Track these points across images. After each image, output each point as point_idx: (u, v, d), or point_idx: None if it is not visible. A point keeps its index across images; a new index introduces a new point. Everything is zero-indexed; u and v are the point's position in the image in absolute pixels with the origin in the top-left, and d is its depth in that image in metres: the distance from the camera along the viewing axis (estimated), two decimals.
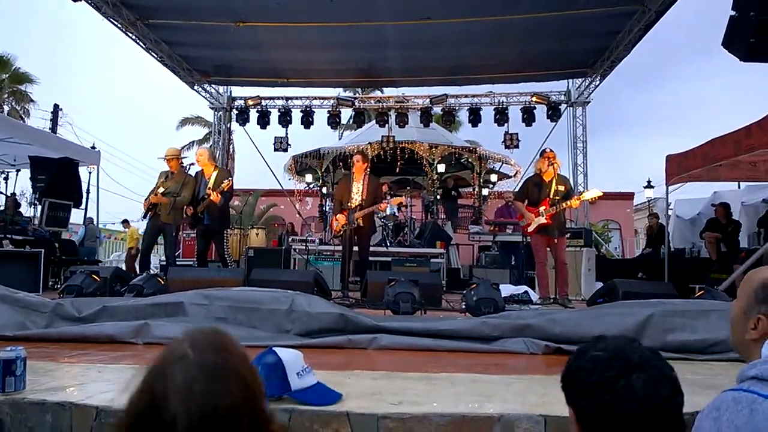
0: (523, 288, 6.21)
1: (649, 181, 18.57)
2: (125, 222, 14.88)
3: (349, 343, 3.51)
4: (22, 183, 10.32)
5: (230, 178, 6.84)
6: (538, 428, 1.94)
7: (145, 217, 6.98)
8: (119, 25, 9.64)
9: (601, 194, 6.59)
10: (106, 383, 2.41)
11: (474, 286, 4.87)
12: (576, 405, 1.05)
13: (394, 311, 4.61)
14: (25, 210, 10.55)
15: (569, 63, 11.40)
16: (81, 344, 3.39)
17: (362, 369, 2.82)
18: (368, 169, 6.91)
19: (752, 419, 1.08)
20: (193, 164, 7.30)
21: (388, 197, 7.89)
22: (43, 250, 6.91)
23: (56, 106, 18.50)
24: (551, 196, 6.25)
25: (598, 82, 11.83)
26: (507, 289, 5.81)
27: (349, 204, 6.67)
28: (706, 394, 2.33)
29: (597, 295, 5.47)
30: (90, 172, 10.89)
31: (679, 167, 8.14)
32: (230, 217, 7.59)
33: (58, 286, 7.29)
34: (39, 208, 8.52)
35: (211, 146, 12.40)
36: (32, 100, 22.25)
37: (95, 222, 11.51)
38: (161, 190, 6.79)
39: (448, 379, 2.61)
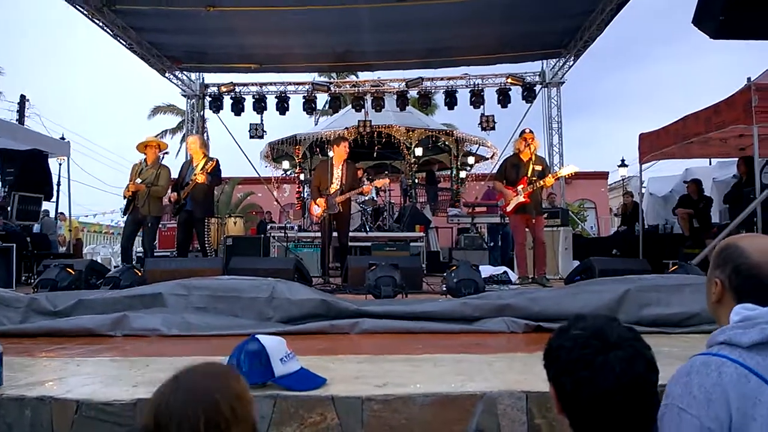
0: (503, 268, 6.28)
1: (623, 160, 18.87)
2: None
3: (332, 329, 3.51)
4: None
5: (212, 159, 6.75)
6: (519, 404, 1.98)
7: (126, 211, 6.86)
8: (85, 12, 9.41)
9: (577, 170, 6.68)
10: (85, 376, 2.38)
11: (454, 267, 4.90)
12: (556, 381, 1.09)
13: (376, 295, 4.62)
14: None
15: (543, 44, 11.46)
16: (58, 338, 3.33)
17: (345, 354, 2.82)
18: (348, 155, 6.91)
19: (720, 381, 1.12)
20: (167, 153, 7.18)
21: (366, 181, 7.87)
22: (14, 245, 6.76)
23: (23, 97, 17.97)
24: (529, 175, 6.33)
25: (572, 63, 11.93)
26: (486, 270, 5.86)
27: (327, 190, 6.64)
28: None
29: (574, 274, 5.55)
30: (60, 164, 10.58)
31: (652, 145, 8.27)
32: (213, 204, 7.44)
33: (32, 280, 7.14)
34: (9, 201, 8.31)
35: (185, 135, 12.17)
36: None
37: (68, 214, 11.24)
38: (138, 180, 6.69)
39: (430, 360, 2.63)
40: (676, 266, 5.00)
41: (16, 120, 16.98)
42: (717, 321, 1.39)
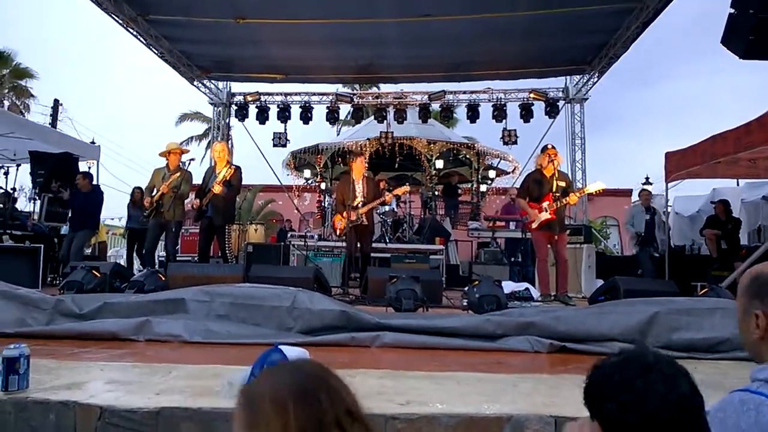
0: (524, 285, 6.18)
1: (647, 178, 18.59)
2: None
3: (353, 341, 3.49)
4: (21, 178, 10.29)
5: (232, 166, 6.77)
6: (548, 429, 1.93)
7: (149, 216, 6.94)
8: (120, 21, 9.61)
9: (605, 187, 6.54)
10: (109, 382, 2.40)
11: (476, 282, 4.84)
12: (601, 412, 1.04)
13: (396, 308, 4.59)
14: (24, 205, 10.47)
15: (568, 60, 11.38)
16: (82, 341, 3.37)
17: (366, 367, 2.80)
18: (366, 169, 6.98)
19: (758, 422, 1.07)
20: (193, 160, 7.25)
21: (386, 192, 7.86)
22: (42, 246, 6.85)
23: (56, 101, 18.38)
24: (553, 192, 6.25)
25: (596, 79, 11.82)
26: (508, 286, 5.78)
27: (351, 204, 6.68)
28: (713, 395, 2.32)
29: (598, 293, 5.45)
30: (89, 167, 10.78)
31: (679, 164, 8.15)
32: (234, 211, 7.46)
33: (57, 281, 7.25)
34: (38, 203, 8.46)
35: (210, 141, 12.30)
36: (32, 95, 22.08)
37: None
38: (165, 184, 6.77)
39: (453, 378, 2.60)
40: (706, 289, 4.86)
41: (49, 123, 17.36)
42: (758, 358, 1.28)
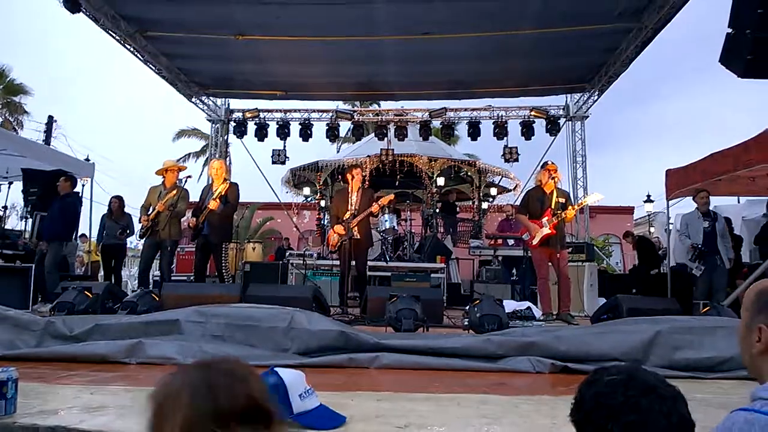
0: (526, 303, 6.11)
1: (648, 196, 18.56)
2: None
3: (350, 362, 3.41)
4: (13, 196, 10.10)
5: (228, 181, 6.71)
6: None
7: (143, 235, 6.87)
8: (117, 38, 9.63)
9: (602, 197, 6.55)
10: (99, 406, 2.31)
11: (477, 302, 4.77)
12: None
13: (396, 328, 4.51)
14: (16, 224, 10.31)
15: (568, 78, 11.45)
16: (73, 364, 3.28)
17: (364, 389, 2.73)
18: (364, 183, 6.91)
19: None
20: (189, 177, 7.20)
21: (386, 208, 7.79)
22: (33, 266, 6.75)
23: (50, 118, 18.29)
24: (552, 207, 6.24)
25: (596, 97, 11.87)
26: (510, 305, 5.72)
27: (345, 217, 6.62)
28: (717, 414, 2.25)
29: (600, 312, 5.39)
30: (83, 185, 10.67)
31: (679, 182, 8.14)
32: (232, 230, 7.31)
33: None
34: (30, 221, 8.34)
35: (208, 158, 12.27)
36: (26, 112, 22.05)
37: (89, 236, 11.26)
38: (161, 202, 6.71)
39: (453, 400, 2.52)
40: (707, 307, 4.82)
41: (43, 140, 17.29)
42: (757, 374, 1.27)
